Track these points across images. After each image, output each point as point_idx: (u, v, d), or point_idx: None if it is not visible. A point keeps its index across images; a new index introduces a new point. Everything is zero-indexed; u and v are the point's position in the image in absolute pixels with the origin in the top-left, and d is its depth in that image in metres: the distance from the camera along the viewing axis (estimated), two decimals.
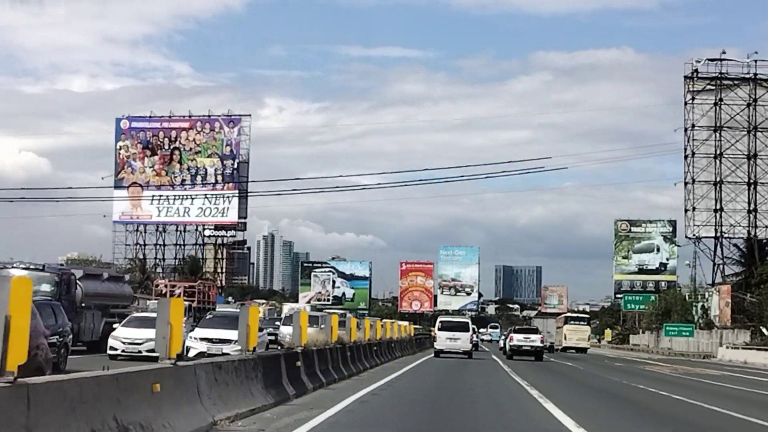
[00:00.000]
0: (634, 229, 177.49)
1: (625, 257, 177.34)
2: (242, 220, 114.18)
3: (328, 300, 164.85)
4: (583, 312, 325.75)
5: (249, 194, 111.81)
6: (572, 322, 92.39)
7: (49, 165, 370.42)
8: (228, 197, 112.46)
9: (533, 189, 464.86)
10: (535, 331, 54.73)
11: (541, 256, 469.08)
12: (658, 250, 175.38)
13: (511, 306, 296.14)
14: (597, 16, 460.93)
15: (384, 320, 48.78)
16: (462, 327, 49.54)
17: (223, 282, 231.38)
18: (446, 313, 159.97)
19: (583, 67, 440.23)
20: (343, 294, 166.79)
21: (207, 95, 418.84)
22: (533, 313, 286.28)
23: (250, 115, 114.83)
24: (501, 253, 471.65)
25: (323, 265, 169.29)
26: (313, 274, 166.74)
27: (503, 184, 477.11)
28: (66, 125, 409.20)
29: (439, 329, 49.56)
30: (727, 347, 75.77)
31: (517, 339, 50.83)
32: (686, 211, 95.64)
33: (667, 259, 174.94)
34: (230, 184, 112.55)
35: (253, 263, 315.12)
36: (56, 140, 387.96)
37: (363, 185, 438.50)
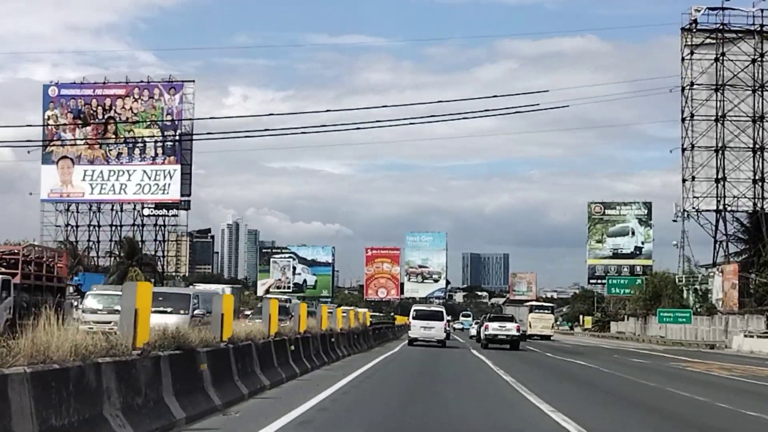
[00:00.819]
0: (608, 211, 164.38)
1: (599, 241, 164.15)
2: (185, 198, 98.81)
3: (289, 287, 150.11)
4: (550, 300, 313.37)
5: (192, 170, 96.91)
6: (536, 310, 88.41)
7: (11, 154, 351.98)
8: (169, 172, 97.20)
9: (500, 176, 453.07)
10: (511, 319, 50.76)
11: (509, 245, 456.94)
12: (633, 233, 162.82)
13: (479, 294, 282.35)
14: (562, 4, 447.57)
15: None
16: (436, 316, 47.46)
17: (187, 269, 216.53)
18: (413, 300, 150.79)
19: (549, 55, 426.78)
20: (305, 281, 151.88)
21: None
22: (502, 300, 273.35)
23: (193, 81, 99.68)
24: (468, 242, 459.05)
25: (283, 250, 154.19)
26: (272, 260, 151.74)
27: (470, 171, 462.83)
28: (28, 114, 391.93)
29: (413, 318, 47.69)
30: (745, 335, 61.41)
31: (493, 327, 47.04)
32: (684, 180, 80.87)
33: (643, 243, 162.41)
34: (172, 158, 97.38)
35: (217, 252, 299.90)
36: (18, 130, 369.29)
37: (330, 173, 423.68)
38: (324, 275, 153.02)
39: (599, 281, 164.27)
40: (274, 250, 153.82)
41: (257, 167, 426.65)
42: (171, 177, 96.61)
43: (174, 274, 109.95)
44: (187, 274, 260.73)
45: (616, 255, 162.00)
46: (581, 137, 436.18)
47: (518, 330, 48.32)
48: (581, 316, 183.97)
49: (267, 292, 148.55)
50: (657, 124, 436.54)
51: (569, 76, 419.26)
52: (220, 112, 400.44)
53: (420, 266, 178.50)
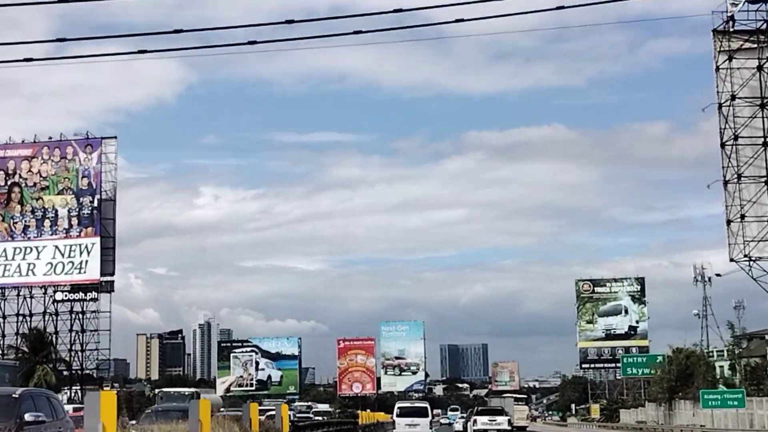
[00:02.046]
0: (597, 289, 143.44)
1: (589, 321, 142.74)
2: (108, 278, 76.64)
3: (251, 385, 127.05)
4: (532, 389, 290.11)
5: (116, 244, 75.23)
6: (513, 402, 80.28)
7: None
8: (86, 247, 75.53)
9: (472, 267, 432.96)
10: (500, 412, 46.47)
11: (486, 335, 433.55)
12: (627, 311, 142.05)
13: (459, 385, 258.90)
14: (527, 94, 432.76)
15: None
16: (421, 412, 43.50)
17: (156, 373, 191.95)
18: (391, 395, 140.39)
19: (516, 145, 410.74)
20: (269, 377, 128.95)
21: (141, 187, 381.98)
22: (483, 391, 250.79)
23: (115, 137, 78.30)
24: (445, 333, 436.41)
25: (244, 344, 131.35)
26: (232, 355, 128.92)
27: (442, 262, 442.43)
28: None
29: (397, 415, 43.74)
30: None
31: (482, 422, 42.96)
32: (729, 222, 59.81)
33: (637, 322, 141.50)
34: (89, 229, 76.07)
35: (189, 354, 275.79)
36: None
37: (303, 270, 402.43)
38: (290, 370, 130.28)
39: (592, 365, 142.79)
40: (234, 344, 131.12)
41: (230, 267, 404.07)
42: (89, 252, 75.08)
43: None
44: (156, 377, 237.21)
45: (609, 336, 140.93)
46: (552, 225, 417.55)
47: (509, 423, 43.75)
48: (573, 405, 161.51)
49: (227, 391, 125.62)
50: (627, 210, 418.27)
51: (537, 164, 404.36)
52: (191, 213, 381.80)
53: (397, 357, 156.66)
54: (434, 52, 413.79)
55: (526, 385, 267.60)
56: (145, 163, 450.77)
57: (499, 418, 43.81)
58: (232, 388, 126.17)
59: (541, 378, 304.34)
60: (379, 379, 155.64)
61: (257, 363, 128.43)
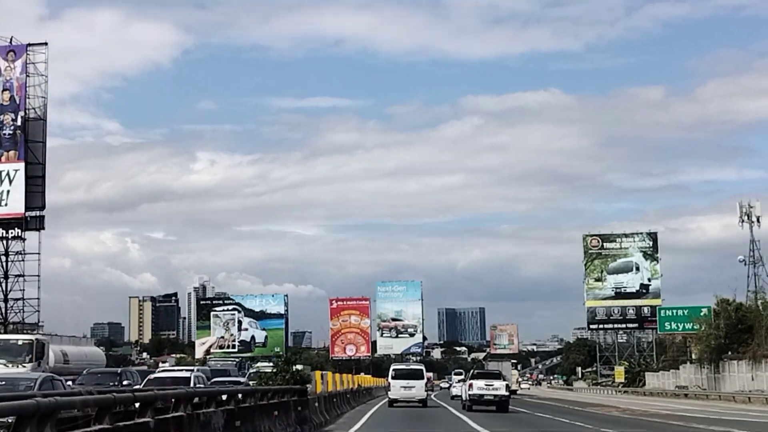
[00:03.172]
0: (606, 245, 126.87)
1: (598, 279, 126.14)
2: (36, 213, 59.73)
3: (233, 346, 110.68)
4: (530, 353, 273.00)
5: (47, 172, 58.44)
6: None
7: None
8: (8, 174, 58.61)
9: (470, 232, 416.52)
10: (499, 376, 39.53)
11: (483, 300, 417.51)
12: (638, 268, 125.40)
13: (457, 349, 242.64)
14: (524, 59, 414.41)
15: None
16: (416, 374, 41.43)
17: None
18: (387, 358, 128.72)
19: (513, 110, 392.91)
20: (253, 338, 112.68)
21: (138, 152, 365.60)
22: (482, 355, 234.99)
23: (46, 44, 61.23)
24: (442, 298, 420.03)
25: (225, 301, 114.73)
26: (213, 314, 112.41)
27: (440, 228, 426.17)
28: None
29: (392, 377, 40.98)
30: None
31: (478, 386, 36.83)
32: None
33: (649, 280, 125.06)
34: (11, 153, 59.17)
35: (184, 317, 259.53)
36: None
37: (300, 235, 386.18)
38: (276, 329, 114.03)
39: (602, 326, 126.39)
40: (214, 302, 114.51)
41: (227, 231, 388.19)
42: (11, 181, 58.31)
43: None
44: (147, 340, 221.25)
45: (619, 295, 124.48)
46: (548, 191, 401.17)
47: (507, 389, 37.84)
48: (579, 369, 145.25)
49: (207, 353, 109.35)
50: (624, 175, 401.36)
51: (534, 129, 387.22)
52: (187, 178, 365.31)
53: (393, 319, 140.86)
54: (431, 17, 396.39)
55: (524, 349, 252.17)
56: (141, 128, 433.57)
57: (497, 383, 38.01)
58: (212, 350, 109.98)
59: (539, 342, 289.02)
60: (375, 344, 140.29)
61: (240, 322, 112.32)
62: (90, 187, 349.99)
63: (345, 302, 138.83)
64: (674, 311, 79.25)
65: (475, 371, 44.66)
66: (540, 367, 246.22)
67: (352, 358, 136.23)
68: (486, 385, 37.40)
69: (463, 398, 40.39)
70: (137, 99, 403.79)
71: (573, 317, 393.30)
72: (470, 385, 37.87)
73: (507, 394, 37.80)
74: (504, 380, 39.05)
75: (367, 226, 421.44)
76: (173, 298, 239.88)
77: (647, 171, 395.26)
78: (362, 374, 62.50)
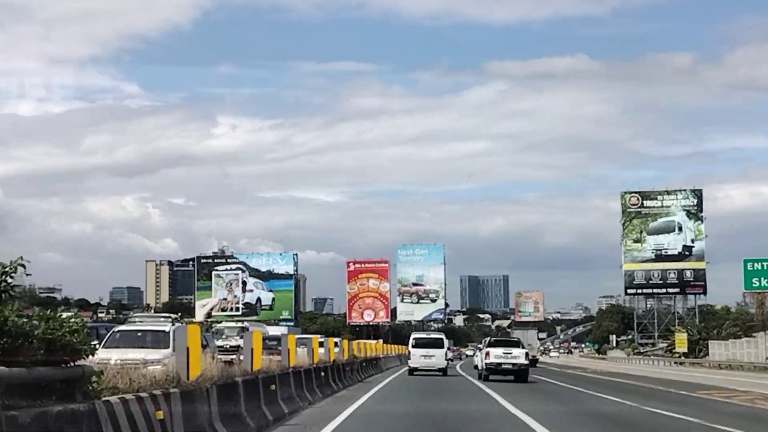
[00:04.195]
0: (647, 203, 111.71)
1: (637, 240, 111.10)
2: None
3: (237, 309, 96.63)
4: (555, 321, 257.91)
5: None
6: None
7: None
8: None
9: (493, 200, 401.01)
10: (517, 343, 35.83)
11: (505, 269, 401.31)
12: (680, 228, 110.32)
13: (480, 316, 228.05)
14: (550, 24, 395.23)
15: None
16: (437, 343, 39.74)
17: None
18: (408, 325, 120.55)
19: (539, 75, 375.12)
20: (258, 300, 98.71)
21: (158, 115, 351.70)
22: (506, 322, 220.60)
23: None
24: (464, 267, 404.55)
25: (228, 260, 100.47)
26: (214, 273, 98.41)
27: (463, 195, 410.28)
28: (14, 150, 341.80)
29: (412, 346, 39.15)
30: None
31: (495, 355, 33.66)
32: None
33: (693, 241, 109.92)
34: None
35: None
36: (5, 166, 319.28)
37: (322, 201, 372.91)
38: (284, 291, 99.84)
39: (639, 290, 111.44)
40: (216, 260, 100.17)
41: (249, 197, 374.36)
42: None
43: None
44: (161, 304, 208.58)
45: (659, 257, 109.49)
46: (574, 158, 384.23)
47: (527, 357, 34.27)
48: (613, 337, 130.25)
49: (209, 316, 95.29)
50: (650, 142, 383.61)
51: (560, 95, 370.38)
52: (208, 142, 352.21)
53: (414, 284, 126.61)
54: None
55: (549, 317, 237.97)
56: (161, 91, 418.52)
57: (516, 351, 33.87)
58: (213, 313, 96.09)
59: (563, 310, 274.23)
60: (394, 310, 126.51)
61: (244, 283, 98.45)
62: (110, 151, 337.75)
63: (363, 265, 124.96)
64: (763, 264, 62.33)
65: (492, 339, 40.41)
66: (564, 335, 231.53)
67: (370, 324, 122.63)
68: (504, 353, 33.99)
69: (479, 367, 37.00)
70: (157, 61, 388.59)
71: (598, 286, 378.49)
72: (487, 354, 34.47)
73: (526, 362, 34.44)
74: (523, 348, 35.44)
75: (389, 192, 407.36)
76: (191, 263, 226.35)
77: (674, 138, 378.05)
78: (369, 340, 48.14)
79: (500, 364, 33.32)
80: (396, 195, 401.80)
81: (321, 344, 24.89)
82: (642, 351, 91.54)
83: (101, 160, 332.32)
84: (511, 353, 33.63)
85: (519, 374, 33.38)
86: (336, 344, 28.35)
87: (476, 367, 43.26)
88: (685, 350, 60.84)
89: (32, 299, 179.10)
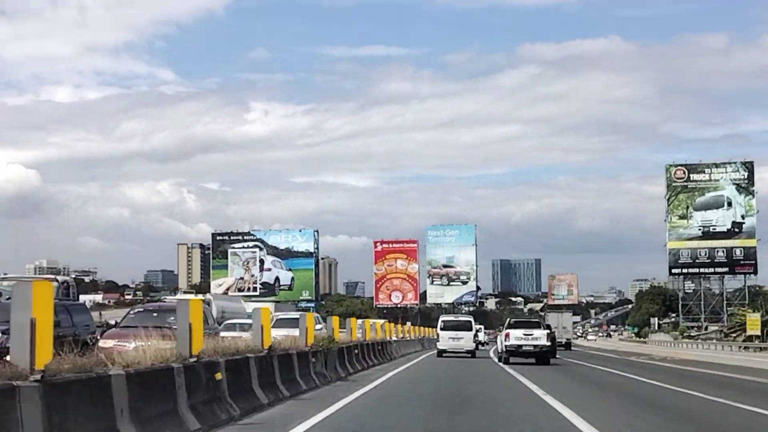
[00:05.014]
0: (694, 176, 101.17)
1: (683, 217, 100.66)
2: None
3: (254, 289, 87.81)
4: (589, 304, 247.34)
5: None
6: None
7: (37, 177, 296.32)
8: None
9: (525, 184, 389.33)
10: (538, 324, 33.86)
11: (537, 253, 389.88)
12: (730, 204, 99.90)
13: (513, 299, 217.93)
14: (583, 5, 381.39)
15: None
16: (465, 326, 38.85)
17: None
18: (438, 307, 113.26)
19: (571, 58, 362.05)
20: (277, 279, 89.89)
21: (192, 101, 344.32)
22: (539, 306, 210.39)
23: None
24: (496, 251, 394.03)
25: (245, 237, 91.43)
26: (230, 251, 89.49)
27: (494, 180, 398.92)
28: (51, 136, 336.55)
29: (441, 329, 38.23)
30: None
31: (515, 336, 31.45)
32: None
33: (743, 217, 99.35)
34: None
35: None
36: (43, 152, 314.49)
37: (354, 186, 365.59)
38: (304, 270, 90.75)
39: (685, 270, 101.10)
40: (232, 237, 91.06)
41: (281, 182, 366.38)
42: None
43: None
44: (191, 284, 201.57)
45: (706, 235, 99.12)
46: (606, 141, 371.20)
47: (549, 338, 31.59)
48: (655, 320, 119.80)
49: (225, 295, 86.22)
50: (683, 125, 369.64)
51: (593, 78, 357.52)
52: (241, 128, 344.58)
53: (445, 266, 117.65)
54: None
55: (582, 301, 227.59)
56: (194, 76, 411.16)
57: (537, 332, 31.57)
58: (230, 293, 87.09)
59: (596, 293, 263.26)
60: (424, 294, 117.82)
61: (262, 261, 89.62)
62: (145, 137, 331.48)
63: (391, 245, 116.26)
64: None
65: (513, 320, 36.68)
66: (597, 319, 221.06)
67: (398, 306, 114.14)
68: (525, 334, 31.74)
69: (499, 350, 35.19)
70: (190, 47, 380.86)
71: (631, 269, 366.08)
72: (507, 335, 32.28)
73: (549, 344, 31.84)
74: (544, 329, 33.08)
75: (420, 177, 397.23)
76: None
77: (708, 120, 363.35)
78: (378, 320, 38.86)
79: (521, 346, 31.16)
80: (428, 179, 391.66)
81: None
82: (693, 335, 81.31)
83: (137, 145, 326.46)
84: (532, 335, 31.40)
85: (540, 356, 31.19)
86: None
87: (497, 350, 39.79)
88: (758, 333, 51.28)
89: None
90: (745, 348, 51.47)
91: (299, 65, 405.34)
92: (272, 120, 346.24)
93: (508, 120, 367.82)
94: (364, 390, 14.82)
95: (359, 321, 28.11)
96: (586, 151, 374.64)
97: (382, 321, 38.42)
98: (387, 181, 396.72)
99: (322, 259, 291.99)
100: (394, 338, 36.20)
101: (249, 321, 31.66)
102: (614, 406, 13.76)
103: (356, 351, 20.98)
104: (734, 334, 57.31)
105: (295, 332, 15.97)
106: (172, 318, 12.07)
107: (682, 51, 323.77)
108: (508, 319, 36.97)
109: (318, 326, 21.76)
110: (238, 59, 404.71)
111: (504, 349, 31.97)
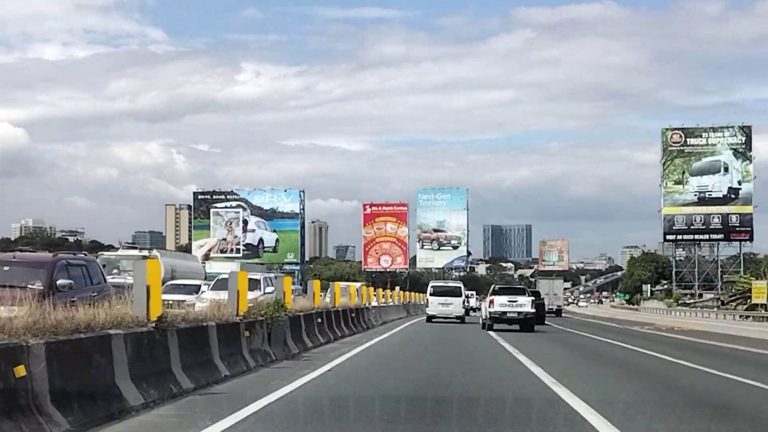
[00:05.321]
0: (690, 140, 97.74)
1: (678, 182, 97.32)
2: None
3: (237, 250, 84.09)
4: (580, 271, 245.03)
5: None
6: None
7: (25, 136, 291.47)
8: None
9: (517, 149, 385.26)
10: (523, 291, 33.37)
11: (529, 219, 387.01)
12: (727, 169, 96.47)
13: (503, 265, 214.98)
14: None
15: None
16: (454, 292, 39.03)
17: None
18: (428, 272, 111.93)
19: (566, 22, 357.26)
20: (261, 240, 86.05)
21: (182, 61, 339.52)
22: (529, 272, 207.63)
23: None
24: (488, 216, 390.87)
25: (228, 196, 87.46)
26: (213, 211, 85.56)
27: (487, 145, 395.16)
28: (40, 95, 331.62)
29: (431, 294, 38.53)
30: None
31: (500, 303, 30.99)
32: None
33: (740, 182, 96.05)
34: None
35: None
36: (31, 110, 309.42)
37: (346, 150, 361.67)
38: (289, 231, 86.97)
39: (680, 237, 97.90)
40: (215, 197, 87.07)
41: (273, 145, 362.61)
42: None
43: None
44: (179, 246, 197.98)
45: (702, 200, 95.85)
46: (599, 108, 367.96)
47: (533, 305, 31.34)
48: (647, 287, 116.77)
49: (206, 257, 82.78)
50: (677, 92, 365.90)
51: (587, 43, 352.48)
52: (232, 89, 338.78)
53: (435, 230, 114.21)
54: None
55: (573, 267, 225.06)
56: (185, 36, 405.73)
57: (521, 299, 31.09)
58: (212, 254, 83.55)
59: (586, 260, 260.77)
60: (414, 258, 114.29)
61: (245, 222, 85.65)
62: (135, 97, 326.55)
63: (380, 208, 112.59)
64: None
65: (497, 286, 36.00)
66: (587, 286, 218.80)
67: (387, 270, 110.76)
68: (509, 301, 30.92)
69: (483, 316, 33.12)
70: (181, 6, 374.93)
71: (621, 236, 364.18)
72: (491, 302, 31.20)
73: (533, 311, 31.03)
74: (529, 296, 31.94)
75: (413, 141, 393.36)
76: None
77: (701, 88, 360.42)
78: (354, 283, 35.43)
79: (505, 312, 30.68)
80: (420, 144, 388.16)
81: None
82: (689, 302, 78.19)
83: (126, 105, 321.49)
84: (516, 301, 30.97)
85: (524, 323, 30.67)
86: None
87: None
88: (765, 301, 47.93)
89: (44, 240, 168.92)
90: (746, 317, 48.24)
91: (291, 26, 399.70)
92: (264, 81, 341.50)
93: (502, 85, 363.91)
94: (311, 376, 11.20)
95: (329, 285, 24.53)
96: (578, 117, 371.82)
97: (358, 284, 34.83)
98: (379, 144, 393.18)
99: (313, 222, 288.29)
100: (374, 304, 32.59)
101: (196, 282, 28.28)
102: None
103: (319, 320, 17.35)
104: (735, 302, 53.91)
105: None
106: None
107: (677, 17, 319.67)
108: (493, 286, 36.18)
109: (269, 289, 18.30)
110: (230, 19, 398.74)
111: (488, 316, 31.25)
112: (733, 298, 53.76)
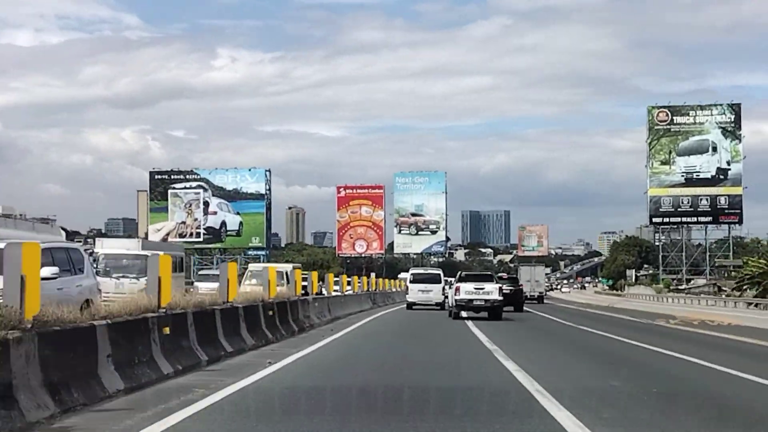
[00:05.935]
0: (677, 119, 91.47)
1: (664, 162, 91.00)
2: None
3: (197, 234, 76.62)
4: (556, 257, 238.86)
5: None
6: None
7: None
8: None
9: (496, 136, 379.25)
10: (490, 278, 31.75)
11: (507, 204, 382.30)
12: (715, 149, 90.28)
13: (482, 250, 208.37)
14: None
15: None
16: (434, 279, 39.37)
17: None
18: (405, 257, 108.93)
19: (543, 9, 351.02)
20: (223, 224, 78.48)
21: (157, 47, 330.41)
22: (508, 257, 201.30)
23: None
24: (466, 203, 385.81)
25: (187, 176, 79.79)
26: (171, 192, 77.98)
27: (466, 131, 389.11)
28: (12, 81, 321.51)
29: (411, 281, 39.16)
30: None
31: (466, 290, 29.37)
32: None
33: (729, 163, 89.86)
34: None
35: None
36: (3, 97, 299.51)
37: (324, 136, 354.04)
38: (254, 214, 79.60)
39: (666, 219, 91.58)
40: (173, 177, 79.36)
41: (249, 131, 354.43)
42: None
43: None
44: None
45: (690, 181, 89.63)
46: (576, 94, 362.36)
47: (500, 293, 29.57)
48: (632, 272, 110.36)
49: (164, 241, 74.93)
50: (652, 79, 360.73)
51: (564, 31, 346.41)
52: (208, 75, 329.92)
53: (413, 214, 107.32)
54: None
55: (552, 253, 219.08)
56: (160, 22, 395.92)
57: (488, 286, 29.46)
58: (170, 239, 75.91)
59: (564, 246, 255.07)
60: (392, 244, 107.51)
61: (206, 203, 78.30)
62: (109, 83, 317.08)
63: (355, 190, 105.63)
64: None
65: (463, 273, 33.59)
66: (564, 272, 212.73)
67: (363, 255, 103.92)
68: (476, 288, 29.33)
69: (449, 304, 31.28)
70: None
71: (598, 222, 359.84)
72: (457, 289, 29.55)
73: (500, 299, 29.34)
74: (496, 282, 30.33)
75: (392, 128, 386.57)
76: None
77: (676, 75, 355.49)
78: (288, 264, 28.07)
79: (471, 300, 29.31)
80: (399, 130, 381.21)
81: None
82: (683, 288, 71.66)
83: (101, 91, 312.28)
84: (483, 288, 29.53)
85: (492, 311, 29.35)
86: None
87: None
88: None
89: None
90: (756, 305, 41.60)
91: (268, 11, 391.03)
92: (240, 67, 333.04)
93: (480, 71, 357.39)
94: None
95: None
96: (556, 103, 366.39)
97: (289, 266, 27.57)
98: (357, 131, 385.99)
99: (290, 208, 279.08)
100: (324, 293, 25.32)
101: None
102: None
103: (167, 329, 9.78)
104: (742, 288, 47.21)
105: None
106: None
107: (652, 5, 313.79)
108: (459, 272, 34.05)
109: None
110: (206, 5, 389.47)
111: (454, 304, 29.51)
112: (741, 282, 47.30)
